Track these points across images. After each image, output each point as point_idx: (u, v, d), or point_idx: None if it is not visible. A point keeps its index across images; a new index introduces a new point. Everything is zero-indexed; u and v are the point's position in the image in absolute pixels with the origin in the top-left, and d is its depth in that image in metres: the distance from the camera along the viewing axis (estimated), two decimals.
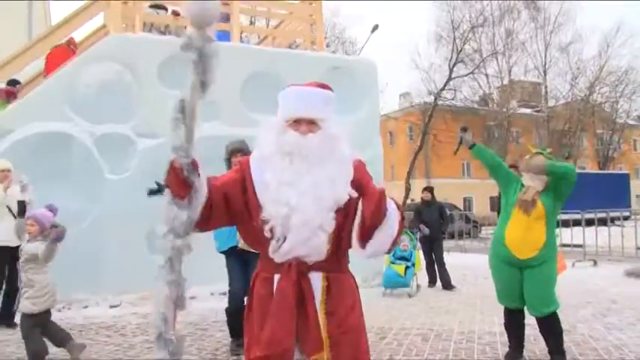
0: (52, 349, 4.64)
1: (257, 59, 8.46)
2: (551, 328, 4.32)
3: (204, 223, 2.12)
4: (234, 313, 4.67)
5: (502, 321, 4.68)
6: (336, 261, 2.14)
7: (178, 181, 1.98)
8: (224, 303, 6.75)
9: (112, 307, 6.91)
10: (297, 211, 2.02)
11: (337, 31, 34.97)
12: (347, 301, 2.14)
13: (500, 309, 4.69)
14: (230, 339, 5.11)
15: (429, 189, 9.69)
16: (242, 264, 4.91)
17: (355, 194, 2.04)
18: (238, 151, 5.18)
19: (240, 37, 9.15)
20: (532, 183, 4.33)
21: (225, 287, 7.12)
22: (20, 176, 6.09)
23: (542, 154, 4.47)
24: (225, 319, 5.15)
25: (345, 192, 2.05)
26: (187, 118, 2.02)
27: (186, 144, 2.00)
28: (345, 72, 8.94)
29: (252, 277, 2.25)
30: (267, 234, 2.06)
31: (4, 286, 6.07)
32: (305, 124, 2.12)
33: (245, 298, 5.18)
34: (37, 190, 6.22)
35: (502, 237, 4.40)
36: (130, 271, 7.12)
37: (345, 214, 2.07)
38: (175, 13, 9.49)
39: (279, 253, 2.07)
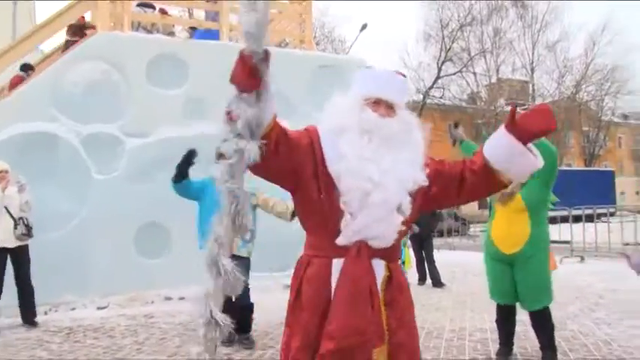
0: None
1: None
2: (542, 323, 4.34)
3: (265, 158, 1.82)
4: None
5: (492, 318, 4.69)
6: (397, 251, 2.10)
7: (246, 71, 1.75)
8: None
9: (99, 308, 6.84)
10: (380, 187, 1.94)
11: (326, 30, 34.92)
12: (406, 295, 2.09)
13: (490, 306, 4.71)
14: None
15: None
16: None
17: (426, 182, 2.04)
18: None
19: (229, 36, 9.09)
20: None
21: None
22: (18, 177, 6.05)
23: None
24: None
25: (422, 176, 2.03)
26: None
27: (258, 30, 1.71)
28: (335, 71, 8.92)
29: (299, 259, 2.12)
30: (342, 207, 1.93)
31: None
32: (384, 107, 2.07)
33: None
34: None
35: (489, 233, 4.45)
36: (117, 272, 7.08)
37: (418, 198, 2.04)
38: (163, 12, 9.42)
39: (347, 231, 1.94)
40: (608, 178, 31.59)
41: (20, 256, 6.00)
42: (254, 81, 1.77)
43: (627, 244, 12.74)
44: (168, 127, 7.79)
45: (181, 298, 7.25)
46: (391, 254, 2.04)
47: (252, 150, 1.77)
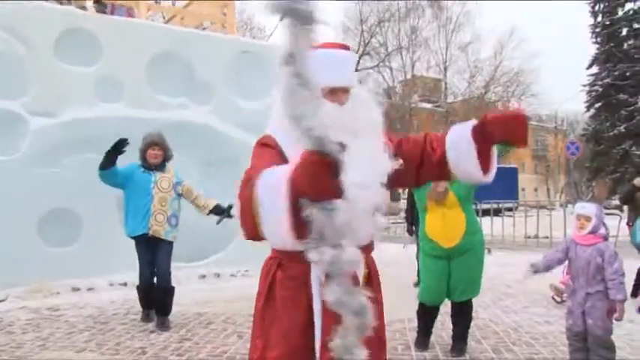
0: None
1: (165, 39, 8.04)
2: (464, 314, 4.47)
3: None
4: (145, 290, 5.38)
5: (409, 307, 4.74)
6: (371, 245, 1.99)
7: (331, 183, 1.40)
8: (123, 293, 6.49)
9: None
10: (350, 186, 1.62)
11: (245, 17, 34.39)
12: (380, 290, 2.02)
13: (406, 296, 4.77)
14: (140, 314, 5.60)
15: None
16: (150, 249, 5.28)
17: (398, 164, 1.88)
18: (155, 145, 5.39)
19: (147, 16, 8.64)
20: None
21: (125, 278, 6.82)
22: None
23: None
24: (127, 311, 5.90)
25: (389, 162, 1.86)
26: (303, 80, 1.39)
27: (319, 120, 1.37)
28: (255, 57, 8.71)
29: (266, 261, 1.96)
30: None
31: None
32: (342, 93, 1.87)
33: (154, 278, 5.41)
34: None
35: (425, 232, 4.49)
36: (18, 262, 6.54)
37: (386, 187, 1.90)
38: None
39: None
40: (512, 175, 33.43)
41: None
42: (337, 190, 1.44)
43: (529, 237, 13.58)
44: (78, 108, 7.27)
45: (90, 289, 6.85)
46: (368, 250, 1.96)
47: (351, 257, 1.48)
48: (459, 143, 1.94)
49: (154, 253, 5.29)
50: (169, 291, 5.39)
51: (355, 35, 37.18)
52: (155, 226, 5.18)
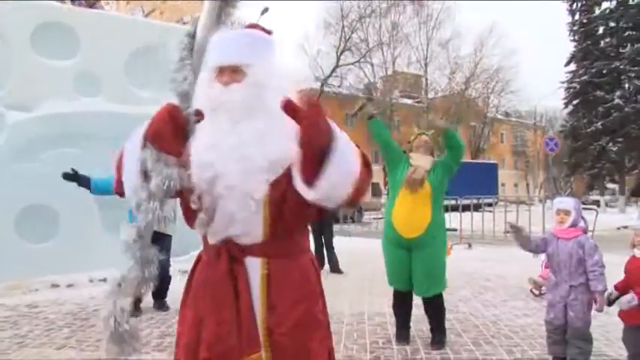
0: None
1: (144, 33, 7.97)
2: (434, 309, 4.49)
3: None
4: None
5: (390, 302, 4.77)
6: (280, 242, 1.78)
7: (177, 133, 1.67)
8: (104, 289, 6.37)
9: None
10: (221, 175, 1.69)
11: None
12: (291, 293, 1.78)
13: (387, 290, 4.81)
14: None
15: None
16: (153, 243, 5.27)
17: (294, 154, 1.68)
18: None
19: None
20: (420, 162, 4.38)
21: (105, 274, 6.76)
22: None
23: (424, 134, 4.62)
24: None
25: (281, 149, 1.69)
26: (196, 55, 1.69)
27: (192, 91, 1.68)
28: None
29: (196, 257, 1.95)
30: (193, 205, 1.73)
31: None
32: (228, 74, 1.77)
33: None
34: None
35: (389, 218, 4.46)
36: None
37: (288, 181, 1.71)
38: None
39: (209, 230, 1.77)
40: (492, 170, 33.80)
41: None
42: (181, 146, 1.68)
43: (508, 232, 13.70)
44: (55, 102, 7.19)
45: (70, 285, 6.77)
46: (272, 248, 1.77)
47: (163, 214, 1.70)
48: None
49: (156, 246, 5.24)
50: (167, 278, 5.81)
51: (336, 31, 37.17)
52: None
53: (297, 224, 1.83)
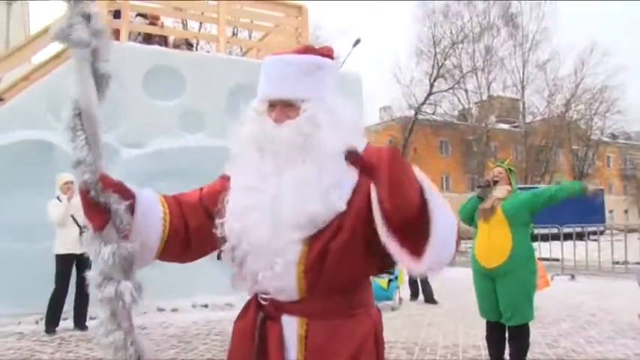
0: None
1: (242, 70, 8.46)
2: (517, 338, 4.34)
3: (179, 256, 1.68)
4: None
5: (484, 334, 4.69)
6: (324, 300, 1.48)
7: (88, 207, 1.51)
8: (205, 314, 6.78)
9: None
10: (248, 229, 1.47)
11: (320, 44, 35.19)
12: (336, 355, 1.47)
13: (482, 322, 4.72)
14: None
15: None
16: None
17: (343, 206, 1.43)
18: None
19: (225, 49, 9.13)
20: (496, 193, 4.40)
21: (206, 300, 7.13)
22: None
23: (499, 165, 4.60)
24: (208, 331, 5.86)
25: (323, 203, 1.42)
26: (86, 123, 1.51)
27: (90, 156, 1.50)
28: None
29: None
30: (224, 257, 1.55)
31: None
32: (280, 108, 1.53)
33: None
34: (18, 198, 6.12)
35: (473, 250, 4.51)
36: None
37: (331, 236, 1.44)
38: (153, 22, 9.34)
39: (239, 284, 1.57)
40: (599, 196, 31.81)
41: (85, 262, 6.07)
42: (101, 217, 1.50)
43: (617, 263, 12.87)
44: (164, 138, 7.81)
45: (174, 310, 7.22)
46: (310, 308, 1.48)
47: (129, 291, 1.50)
48: None
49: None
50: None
51: (429, 58, 37.12)
52: None
53: (349, 279, 1.51)
